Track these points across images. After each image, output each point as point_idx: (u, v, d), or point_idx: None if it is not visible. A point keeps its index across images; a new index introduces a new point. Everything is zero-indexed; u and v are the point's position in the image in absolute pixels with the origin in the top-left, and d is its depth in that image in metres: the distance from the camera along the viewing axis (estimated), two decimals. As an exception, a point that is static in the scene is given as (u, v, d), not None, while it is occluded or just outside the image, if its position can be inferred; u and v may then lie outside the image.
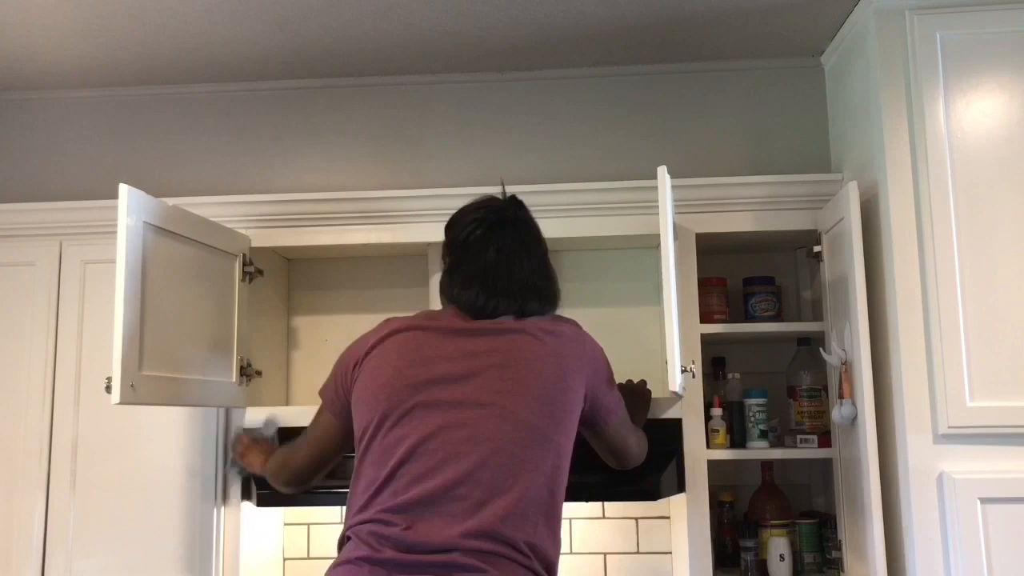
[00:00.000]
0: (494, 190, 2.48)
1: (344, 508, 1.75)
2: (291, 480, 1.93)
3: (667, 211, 2.06)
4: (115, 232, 2.00)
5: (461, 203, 2.47)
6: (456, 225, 1.88)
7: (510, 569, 1.53)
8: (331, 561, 1.65)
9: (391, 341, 1.73)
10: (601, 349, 1.83)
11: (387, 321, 1.80)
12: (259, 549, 2.52)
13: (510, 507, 1.56)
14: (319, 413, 1.86)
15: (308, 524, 2.69)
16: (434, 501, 1.56)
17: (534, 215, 2.48)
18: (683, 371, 2.02)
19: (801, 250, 2.64)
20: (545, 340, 1.70)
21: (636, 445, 1.96)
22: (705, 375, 2.45)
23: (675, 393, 2.02)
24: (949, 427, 2.03)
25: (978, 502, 1.99)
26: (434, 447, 1.59)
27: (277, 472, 1.95)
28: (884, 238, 2.18)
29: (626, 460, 1.96)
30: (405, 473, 1.59)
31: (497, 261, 1.79)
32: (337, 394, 1.79)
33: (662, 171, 2.08)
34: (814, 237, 2.46)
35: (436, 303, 2.60)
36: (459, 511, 1.55)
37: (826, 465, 2.53)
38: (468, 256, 1.82)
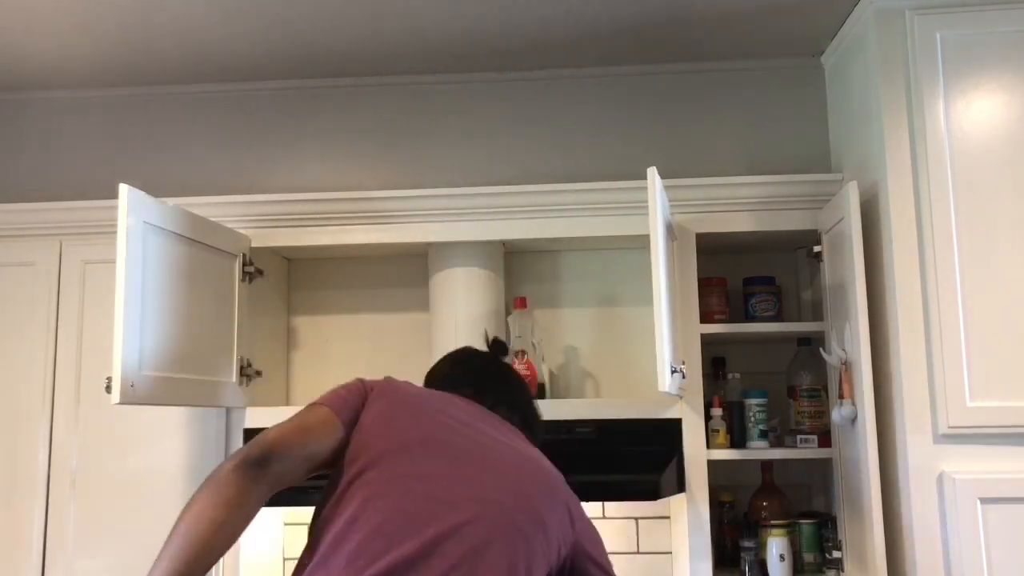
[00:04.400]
0: (493, 190, 2.50)
1: None
2: None
3: (656, 212, 2.07)
4: (115, 232, 2.00)
5: (461, 203, 2.50)
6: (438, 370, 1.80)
7: None
8: None
9: None
10: None
11: None
12: (259, 549, 2.52)
13: None
14: None
15: (308, 524, 2.68)
16: None
17: (534, 215, 2.51)
18: (673, 372, 2.02)
19: (801, 250, 2.64)
20: None
21: None
22: (705, 375, 2.45)
23: (665, 393, 2.01)
24: (949, 427, 2.03)
25: (978, 502, 1.99)
26: None
27: None
28: (884, 238, 2.18)
29: None
30: None
31: (499, 373, 1.75)
32: None
33: (652, 172, 2.08)
34: (814, 237, 2.46)
35: (436, 303, 2.62)
36: None
37: (826, 465, 2.53)
38: (464, 367, 1.77)
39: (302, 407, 1.50)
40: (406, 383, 1.59)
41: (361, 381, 1.55)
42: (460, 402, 1.58)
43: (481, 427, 1.52)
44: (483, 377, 1.69)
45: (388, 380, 1.59)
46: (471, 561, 1.33)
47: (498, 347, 1.86)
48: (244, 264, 2.46)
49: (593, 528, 1.59)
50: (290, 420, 1.46)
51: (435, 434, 1.47)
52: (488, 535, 1.36)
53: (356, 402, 1.50)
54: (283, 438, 1.41)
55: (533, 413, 1.73)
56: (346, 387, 1.53)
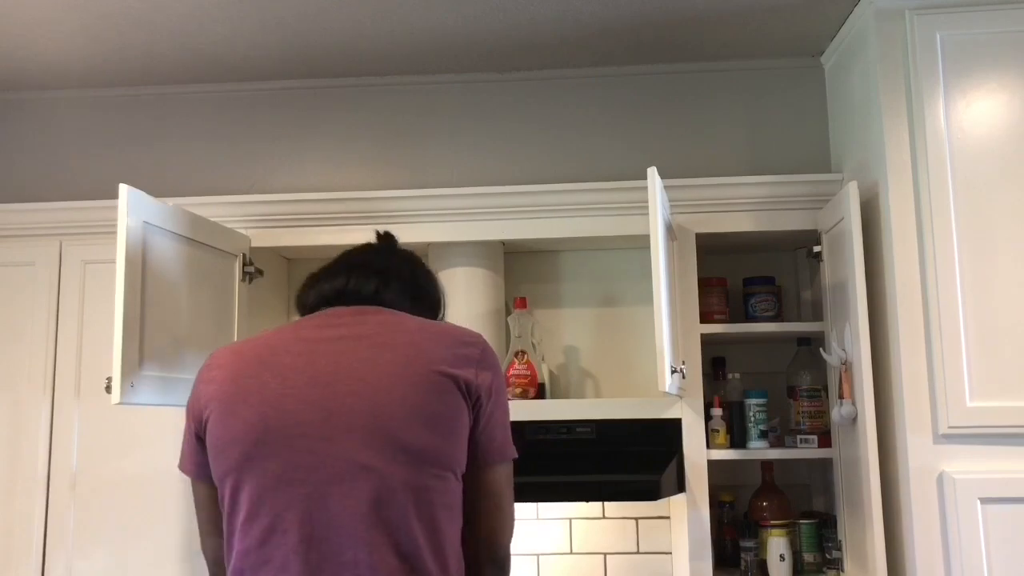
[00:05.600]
0: (493, 190, 2.51)
1: None
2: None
3: (656, 212, 2.07)
4: (115, 232, 2.01)
5: (461, 203, 2.50)
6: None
7: None
8: None
9: None
10: None
11: None
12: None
13: None
14: None
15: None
16: None
17: (534, 215, 2.51)
18: (673, 372, 2.02)
19: (801, 250, 2.64)
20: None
21: None
22: (705, 375, 2.45)
23: (665, 393, 2.01)
24: (949, 427, 2.03)
25: (978, 502, 1.99)
26: None
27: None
28: (884, 238, 2.18)
29: None
30: None
31: (349, 255, 1.57)
32: None
33: (652, 172, 2.08)
34: (814, 237, 2.46)
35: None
36: None
37: (826, 465, 2.53)
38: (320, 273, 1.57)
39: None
40: (230, 361, 1.43)
41: (188, 409, 1.47)
42: (294, 346, 1.40)
43: (320, 368, 1.36)
44: (350, 268, 1.52)
45: (212, 376, 1.43)
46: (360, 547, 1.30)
47: (384, 238, 1.67)
48: (244, 264, 2.46)
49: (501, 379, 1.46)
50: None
51: (269, 428, 1.34)
52: (373, 508, 1.30)
53: (195, 444, 1.45)
54: (208, 550, 1.49)
55: (414, 283, 1.55)
56: (184, 431, 1.49)
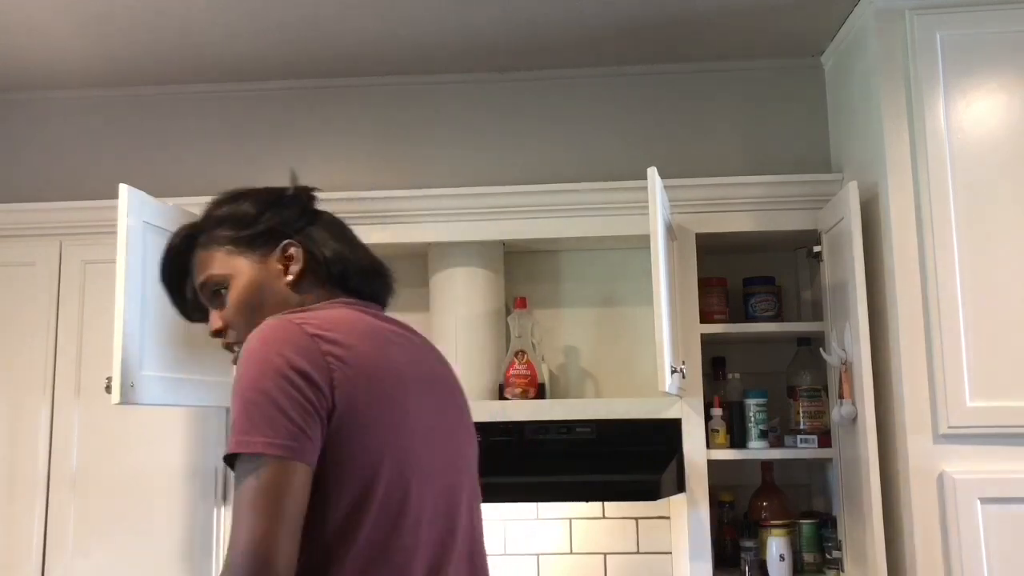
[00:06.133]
0: (493, 190, 2.51)
1: None
2: None
3: (657, 212, 2.07)
4: (115, 232, 2.01)
5: (461, 203, 2.49)
6: (280, 203, 1.51)
7: None
8: None
9: None
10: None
11: None
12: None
13: None
14: None
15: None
16: None
17: (534, 215, 2.51)
18: (673, 372, 2.02)
19: (801, 250, 2.64)
20: None
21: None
22: (705, 375, 2.45)
23: (665, 393, 2.02)
24: (949, 427, 2.03)
25: (978, 502, 1.99)
26: None
27: None
28: (884, 238, 2.18)
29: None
30: None
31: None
32: None
33: (652, 172, 2.08)
34: (814, 237, 2.46)
35: (436, 303, 2.62)
36: None
37: (826, 465, 2.53)
38: (344, 242, 1.48)
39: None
40: (352, 337, 1.20)
41: (304, 374, 1.16)
42: (408, 346, 1.31)
43: (430, 371, 1.33)
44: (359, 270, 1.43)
45: (341, 353, 1.16)
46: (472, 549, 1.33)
47: (308, 196, 1.52)
48: (244, 264, 2.46)
49: None
50: (262, 509, 1.06)
51: (433, 427, 1.26)
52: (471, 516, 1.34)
53: (308, 419, 1.13)
54: (285, 555, 1.05)
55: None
56: (291, 400, 1.15)
